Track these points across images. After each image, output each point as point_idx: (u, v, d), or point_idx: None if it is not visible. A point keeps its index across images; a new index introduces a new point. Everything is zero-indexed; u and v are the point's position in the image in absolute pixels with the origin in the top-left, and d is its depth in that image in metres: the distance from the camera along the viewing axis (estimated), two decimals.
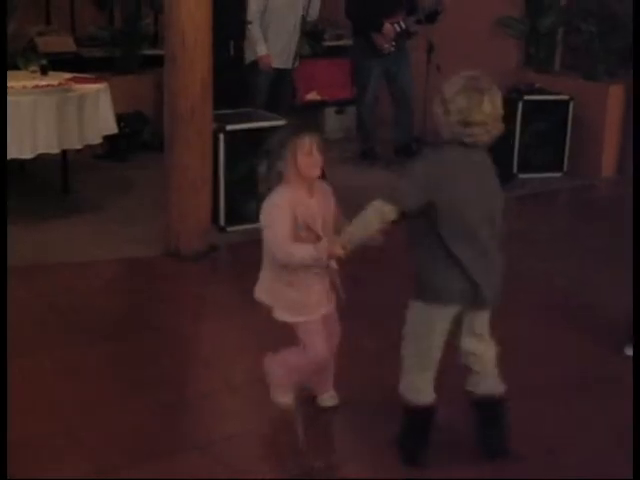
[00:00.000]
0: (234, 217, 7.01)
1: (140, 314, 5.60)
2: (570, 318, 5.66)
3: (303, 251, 3.92)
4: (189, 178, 6.34)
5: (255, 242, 6.75)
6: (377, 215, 3.69)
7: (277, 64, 8.75)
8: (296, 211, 3.98)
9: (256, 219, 6.95)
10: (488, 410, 4.03)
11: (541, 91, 8.97)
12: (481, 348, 3.97)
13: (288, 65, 8.80)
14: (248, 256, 6.56)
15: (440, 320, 3.82)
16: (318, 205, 4.05)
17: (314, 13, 8.87)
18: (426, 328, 3.83)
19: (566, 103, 8.85)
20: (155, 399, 4.50)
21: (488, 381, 4.00)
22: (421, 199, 3.65)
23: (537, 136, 8.79)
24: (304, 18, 8.72)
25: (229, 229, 6.99)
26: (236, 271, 6.57)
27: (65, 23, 10.04)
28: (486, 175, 3.90)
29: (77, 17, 10.13)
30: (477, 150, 3.80)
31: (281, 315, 4.14)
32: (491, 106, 3.74)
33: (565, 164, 8.99)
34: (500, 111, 3.79)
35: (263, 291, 4.23)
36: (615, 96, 8.95)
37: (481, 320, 3.94)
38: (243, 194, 6.99)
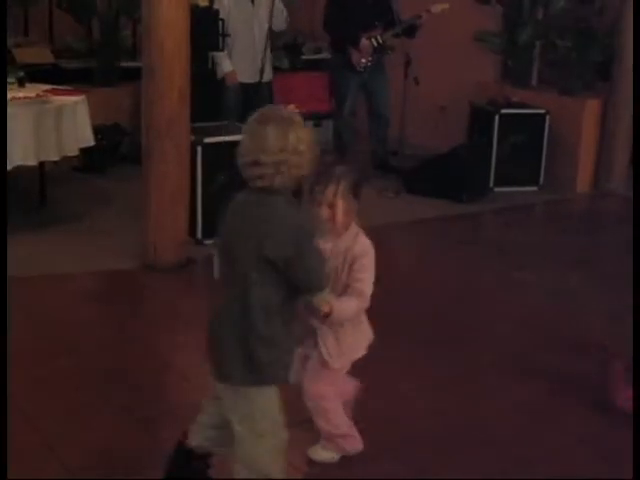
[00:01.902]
0: (212, 230, 7.00)
1: (116, 326, 5.59)
2: (544, 329, 5.70)
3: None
4: (166, 190, 6.34)
5: None
6: None
7: (244, 79, 8.73)
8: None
9: None
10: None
11: (518, 105, 9.02)
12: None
13: (256, 79, 8.76)
14: None
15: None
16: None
17: (279, 24, 8.84)
18: None
19: (542, 117, 8.90)
20: (131, 412, 4.49)
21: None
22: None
23: (513, 150, 8.83)
24: (271, 30, 8.71)
25: (206, 242, 6.98)
26: (213, 284, 6.56)
27: (43, 35, 10.04)
28: (255, 226, 3.30)
29: (55, 28, 10.14)
30: (263, 196, 3.31)
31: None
32: (283, 142, 3.17)
33: (541, 178, 9.03)
34: (297, 145, 3.20)
35: None
36: (591, 111, 9.01)
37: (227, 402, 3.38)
38: (220, 207, 6.98)
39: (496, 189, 8.81)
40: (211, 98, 8.66)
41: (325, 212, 3.67)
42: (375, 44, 8.76)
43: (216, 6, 8.62)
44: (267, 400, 3.29)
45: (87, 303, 6.07)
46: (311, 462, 4.08)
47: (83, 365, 5.00)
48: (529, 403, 4.75)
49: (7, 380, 4.04)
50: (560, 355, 5.33)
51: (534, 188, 9.02)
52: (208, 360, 3.37)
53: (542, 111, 8.91)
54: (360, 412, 4.14)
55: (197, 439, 3.60)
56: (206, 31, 8.27)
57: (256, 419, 3.29)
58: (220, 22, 8.42)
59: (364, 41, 8.71)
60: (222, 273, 3.34)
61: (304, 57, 10.59)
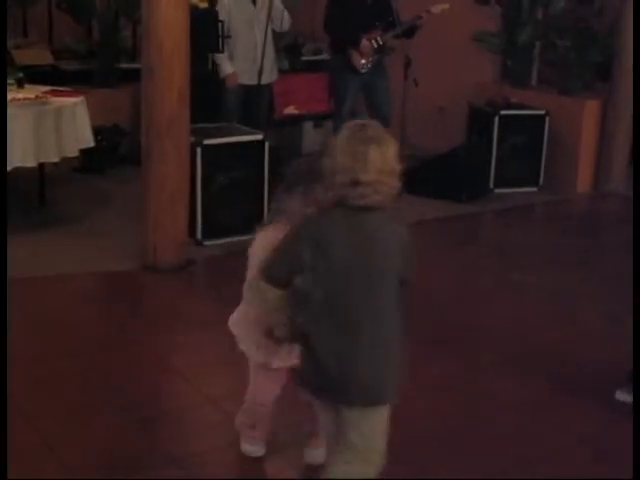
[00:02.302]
0: (211, 231, 7.02)
1: (117, 327, 5.59)
2: (543, 330, 5.70)
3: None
4: (166, 191, 6.34)
5: (232, 255, 6.83)
6: (260, 296, 3.36)
7: (245, 80, 8.72)
8: None
9: (233, 233, 7.04)
10: None
11: (517, 106, 9.01)
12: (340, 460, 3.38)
13: (257, 81, 8.74)
14: (225, 269, 6.64)
15: (322, 414, 3.45)
16: None
17: (283, 25, 8.82)
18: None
19: (542, 118, 8.90)
20: (132, 412, 4.49)
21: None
22: (291, 269, 3.24)
23: (513, 151, 8.83)
24: (274, 32, 8.72)
25: (206, 243, 6.99)
26: (213, 285, 6.58)
27: (42, 36, 10.03)
28: (380, 240, 3.24)
29: (54, 29, 10.13)
30: (368, 214, 3.20)
31: (248, 348, 3.90)
32: (381, 161, 3.13)
33: (541, 179, 9.03)
34: (393, 165, 3.18)
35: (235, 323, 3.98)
36: (591, 111, 9.01)
37: (354, 423, 3.28)
38: (220, 208, 7.01)
39: (496, 190, 8.80)
40: (211, 99, 8.66)
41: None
42: (375, 45, 8.75)
43: (217, 7, 8.61)
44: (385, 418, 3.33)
45: (87, 304, 6.07)
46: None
47: (83, 365, 5.00)
48: (529, 403, 4.76)
49: (7, 380, 4.04)
50: (560, 356, 5.34)
51: (534, 189, 9.02)
52: (337, 389, 3.23)
53: (542, 112, 8.91)
54: None
55: None
56: (206, 32, 8.26)
57: (377, 435, 3.31)
58: (220, 23, 8.41)
59: (364, 42, 8.69)
60: (339, 294, 3.19)
61: (304, 58, 10.57)
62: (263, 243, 3.56)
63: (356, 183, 3.10)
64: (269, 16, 8.43)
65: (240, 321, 3.95)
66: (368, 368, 3.19)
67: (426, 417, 4.53)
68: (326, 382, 3.22)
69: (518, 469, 4.11)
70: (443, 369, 5.07)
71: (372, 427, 3.28)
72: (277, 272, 3.25)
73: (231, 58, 8.64)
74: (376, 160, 3.11)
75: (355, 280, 3.17)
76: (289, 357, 3.65)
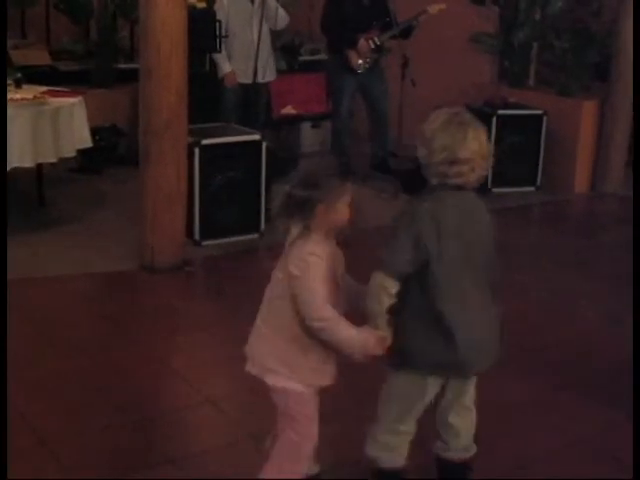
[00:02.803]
0: (209, 231, 7.01)
1: (115, 328, 5.58)
2: (542, 330, 5.70)
3: (351, 332, 3.27)
4: (164, 192, 6.34)
5: (229, 256, 6.84)
6: (384, 294, 3.34)
7: (243, 79, 8.73)
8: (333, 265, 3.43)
9: (230, 233, 7.04)
10: (452, 473, 3.80)
11: (515, 106, 9.02)
12: (466, 423, 3.73)
13: (256, 79, 8.77)
14: (223, 270, 6.65)
15: (431, 389, 3.56)
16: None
17: (279, 23, 8.83)
18: (415, 397, 3.57)
19: (540, 118, 8.90)
20: (130, 413, 4.49)
21: (459, 448, 3.75)
22: (416, 259, 3.33)
23: (511, 151, 8.82)
24: (271, 31, 8.74)
25: (204, 243, 6.98)
26: (210, 285, 6.58)
27: (40, 36, 10.03)
28: (478, 220, 3.53)
29: (52, 30, 10.13)
30: (467, 193, 3.46)
31: (285, 383, 3.42)
32: (477, 142, 3.35)
33: (538, 179, 9.03)
34: (486, 148, 3.39)
35: (273, 359, 3.42)
36: (589, 112, 9.01)
37: (471, 389, 3.68)
38: (218, 208, 7.01)
39: (494, 190, 8.79)
40: (209, 99, 8.66)
41: (345, 212, 3.52)
42: (373, 45, 8.76)
43: (215, 7, 8.61)
44: None
45: (85, 304, 6.06)
46: None
47: (81, 366, 5.00)
48: (528, 403, 4.75)
49: (6, 381, 4.05)
50: (558, 356, 5.34)
51: (532, 189, 9.02)
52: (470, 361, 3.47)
53: (539, 112, 8.91)
54: (357, 412, 4.13)
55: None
56: (203, 32, 8.27)
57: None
58: (217, 23, 8.41)
59: (362, 42, 8.71)
60: (457, 273, 3.40)
61: (302, 58, 10.59)
62: (320, 273, 3.30)
63: (454, 161, 3.31)
64: (262, 14, 8.44)
65: (279, 357, 3.44)
66: (490, 336, 3.50)
67: (423, 416, 4.52)
68: (453, 356, 3.39)
69: (518, 469, 4.11)
70: None
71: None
72: (402, 265, 3.35)
73: (229, 57, 8.65)
74: (473, 140, 3.33)
75: (471, 257, 3.42)
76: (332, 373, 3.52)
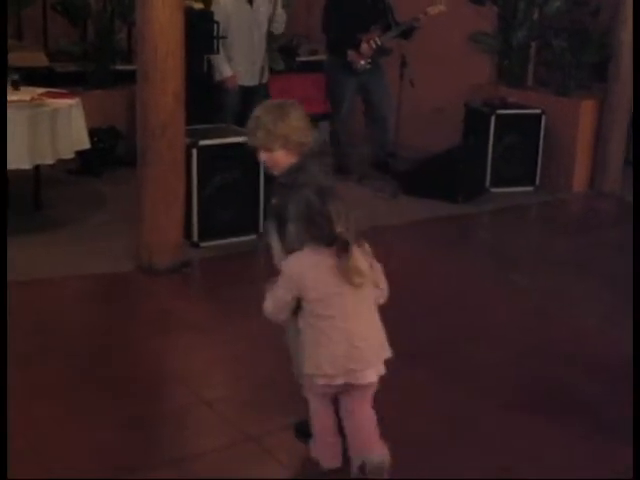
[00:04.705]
0: (207, 233, 7.01)
1: (111, 329, 5.58)
2: (539, 331, 5.70)
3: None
4: (161, 193, 6.33)
5: (228, 258, 6.83)
6: None
7: (243, 82, 8.73)
8: None
9: (229, 234, 7.04)
10: None
11: (514, 105, 9.01)
12: None
13: (256, 82, 8.79)
14: (221, 271, 6.65)
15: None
16: None
17: (279, 27, 8.85)
18: None
19: (538, 117, 8.90)
20: (128, 414, 4.48)
21: None
22: None
23: (509, 150, 8.83)
24: (271, 33, 8.75)
25: (202, 244, 6.98)
26: (208, 286, 6.58)
27: (37, 38, 10.02)
28: None
29: (49, 32, 10.11)
30: None
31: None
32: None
33: (537, 178, 9.03)
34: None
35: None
36: (587, 111, 9.01)
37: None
38: (216, 209, 7.00)
39: (492, 189, 8.80)
40: (207, 100, 8.65)
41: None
42: (374, 46, 8.75)
43: (213, 8, 8.60)
44: None
45: (82, 306, 6.06)
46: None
47: (80, 367, 4.99)
48: (526, 404, 4.74)
49: (6, 381, 4.04)
50: (556, 357, 5.33)
51: (530, 188, 9.01)
52: None
53: (538, 111, 8.91)
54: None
55: None
56: (201, 34, 8.26)
57: None
58: (215, 25, 8.40)
59: (363, 44, 8.70)
60: None
61: (300, 59, 10.58)
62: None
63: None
64: (272, 18, 8.47)
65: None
66: None
67: (425, 419, 4.52)
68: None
69: (518, 469, 4.10)
70: (439, 370, 5.06)
71: None
72: None
73: (228, 60, 8.63)
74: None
75: None
76: None
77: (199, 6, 8.93)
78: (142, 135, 6.32)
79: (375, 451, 3.86)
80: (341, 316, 3.73)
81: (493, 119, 8.75)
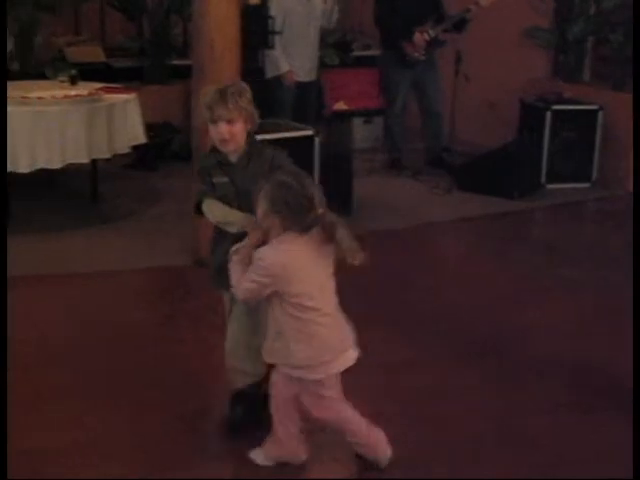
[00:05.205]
0: None
1: (166, 323, 5.60)
2: (593, 328, 5.65)
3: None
4: None
5: None
6: None
7: (300, 77, 8.75)
8: None
9: None
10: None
11: (570, 101, 8.93)
12: None
13: (312, 77, 8.82)
14: None
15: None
16: None
17: (332, 21, 8.87)
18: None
19: (595, 113, 8.81)
20: (178, 410, 4.48)
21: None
22: None
23: (565, 146, 8.75)
24: (324, 28, 8.77)
25: None
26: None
27: (94, 33, 10.12)
28: None
29: (106, 27, 10.21)
30: None
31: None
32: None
33: (593, 174, 8.94)
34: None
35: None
36: None
37: None
38: None
39: (548, 186, 8.73)
40: (262, 95, 8.66)
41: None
42: (427, 37, 8.72)
43: (271, 3, 8.57)
44: None
45: (137, 299, 6.10)
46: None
47: (134, 361, 5.01)
48: (577, 404, 4.68)
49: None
50: (613, 357, 5.26)
51: (586, 185, 8.92)
52: None
53: (595, 107, 8.82)
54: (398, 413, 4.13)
55: None
56: (256, 29, 8.28)
57: None
58: (270, 20, 8.42)
59: (418, 35, 8.67)
60: None
61: (354, 54, 10.57)
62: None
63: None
64: (328, 13, 8.48)
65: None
66: None
67: (476, 418, 4.51)
68: None
69: (565, 469, 4.07)
70: (492, 369, 5.03)
71: None
72: None
73: (285, 55, 8.63)
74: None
75: None
76: None
77: (254, 1, 8.95)
78: (197, 130, 6.35)
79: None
80: (325, 306, 3.68)
81: (549, 115, 8.67)
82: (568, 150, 8.77)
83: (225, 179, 3.99)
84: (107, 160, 7.48)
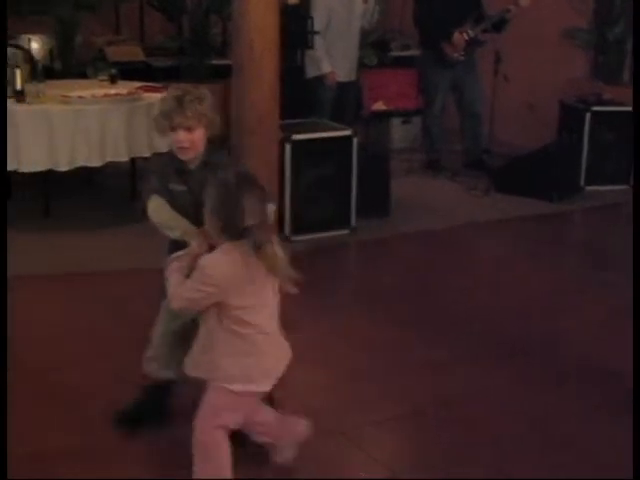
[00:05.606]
0: (299, 226, 7.03)
1: None
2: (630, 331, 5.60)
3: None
4: None
5: (319, 252, 6.84)
6: None
7: (340, 77, 8.75)
8: None
9: (320, 229, 7.06)
10: None
11: (610, 102, 8.87)
12: None
13: (351, 77, 8.84)
14: (312, 265, 6.63)
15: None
16: None
17: (372, 21, 8.87)
18: None
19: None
20: None
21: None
22: None
23: (605, 148, 8.69)
24: (363, 28, 8.78)
25: (294, 238, 7.00)
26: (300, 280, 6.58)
27: (134, 33, 10.17)
28: None
29: (146, 27, 10.27)
30: None
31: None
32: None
33: (632, 177, 8.88)
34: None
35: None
36: None
37: None
38: (308, 204, 7.02)
39: (587, 188, 8.68)
40: (301, 95, 8.67)
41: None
42: (467, 37, 8.69)
43: (314, 3, 8.56)
44: None
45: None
46: None
47: None
48: (609, 407, 4.65)
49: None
50: None
51: (626, 187, 8.86)
52: None
53: None
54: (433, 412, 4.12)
55: None
56: (295, 29, 8.30)
57: None
58: (309, 20, 8.43)
59: (457, 35, 8.64)
60: None
61: (392, 54, 10.57)
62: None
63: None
64: (370, 12, 8.49)
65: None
66: None
67: (509, 419, 4.49)
68: None
69: (601, 470, 4.05)
70: (528, 371, 5.01)
71: None
72: None
73: (328, 55, 8.63)
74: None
75: None
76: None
77: (293, 1, 8.96)
78: (236, 129, 6.37)
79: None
80: (266, 324, 3.58)
81: (588, 116, 8.61)
82: (607, 152, 8.71)
83: (183, 187, 3.92)
84: (145, 159, 7.52)
